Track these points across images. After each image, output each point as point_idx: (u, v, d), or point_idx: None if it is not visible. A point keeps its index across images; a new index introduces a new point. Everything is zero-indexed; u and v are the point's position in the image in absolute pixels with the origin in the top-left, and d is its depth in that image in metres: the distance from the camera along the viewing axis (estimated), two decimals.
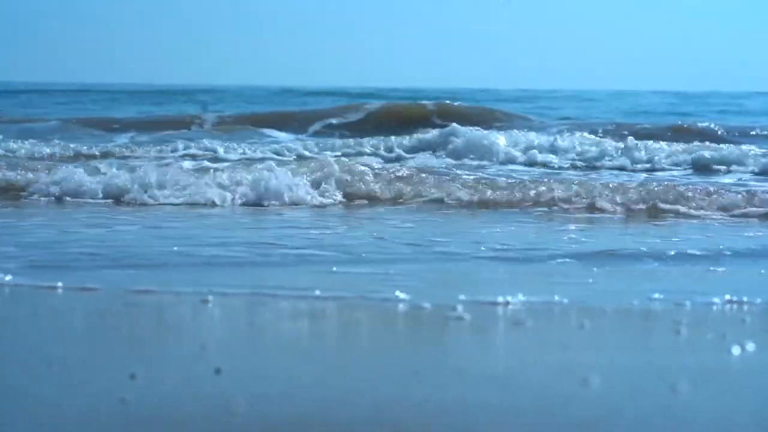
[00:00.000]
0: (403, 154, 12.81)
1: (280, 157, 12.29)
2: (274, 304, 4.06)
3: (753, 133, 15.84)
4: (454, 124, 13.48)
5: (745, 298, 4.08)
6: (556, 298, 4.06)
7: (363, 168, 8.91)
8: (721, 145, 12.58)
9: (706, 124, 16.53)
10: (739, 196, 8.05)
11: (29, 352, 3.23)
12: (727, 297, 4.07)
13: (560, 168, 11.63)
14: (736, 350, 3.23)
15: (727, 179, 10.49)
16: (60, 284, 4.22)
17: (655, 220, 7.59)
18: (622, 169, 11.53)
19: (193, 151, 12.74)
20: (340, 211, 7.98)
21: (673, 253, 5.51)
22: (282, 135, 15.42)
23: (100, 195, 8.36)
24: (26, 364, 3.04)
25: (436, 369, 3.02)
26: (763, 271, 5.17)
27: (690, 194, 8.08)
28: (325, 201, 8.21)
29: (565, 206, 8.03)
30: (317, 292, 4.13)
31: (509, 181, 9.09)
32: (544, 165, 11.77)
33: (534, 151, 12.19)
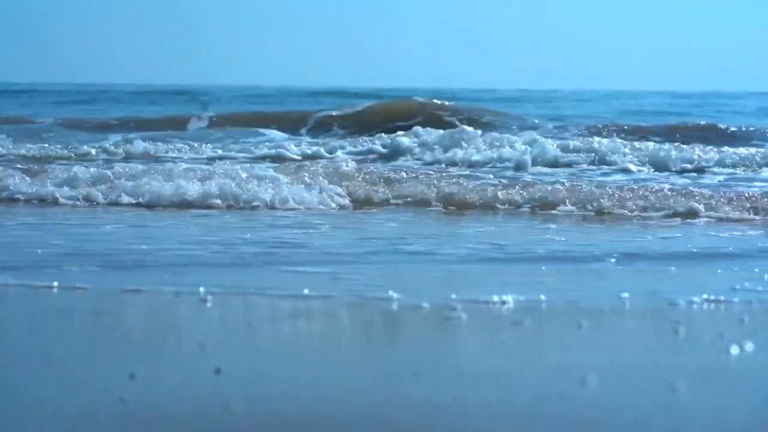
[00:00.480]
0: (381, 150, 12.81)
1: (271, 152, 12.32)
2: (268, 305, 4.07)
3: (749, 130, 15.76)
4: (418, 127, 13.43)
5: (722, 297, 4.12)
6: (543, 297, 4.09)
7: (347, 169, 8.91)
8: (696, 146, 12.49)
9: (702, 122, 16.52)
10: (702, 200, 7.99)
11: (25, 351, 3.23)
12: (705, 296, 4.10)
13: (537, 169, 11.46)
14: (721, 349, 3.24)
15: (704, 179, 10.45)
16: (44, 283, 4.26)
17: (601, 220, 7.59)
18: (594, 169, 11.39)
19: (181, 150, 12.73)
20: (325, 212, 7.91)
21: (624, 253, 5.54)
22: (275, 134, 15.38)
23: (83, 196, 8.32)
24: (24, 364, 3.05)
25: (435, 368, 3.02)
26: (720, 270, 5.16)
27: (638, 194, 8.09)
28: (308, 202, 8.13)
29: (527, 207, 8.08)
30: (306, 292, 4.15)
31: (476, 182, 9.08)
32: (518, 166, 11.58)
33: (507, 150, 12.10)
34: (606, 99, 31.35)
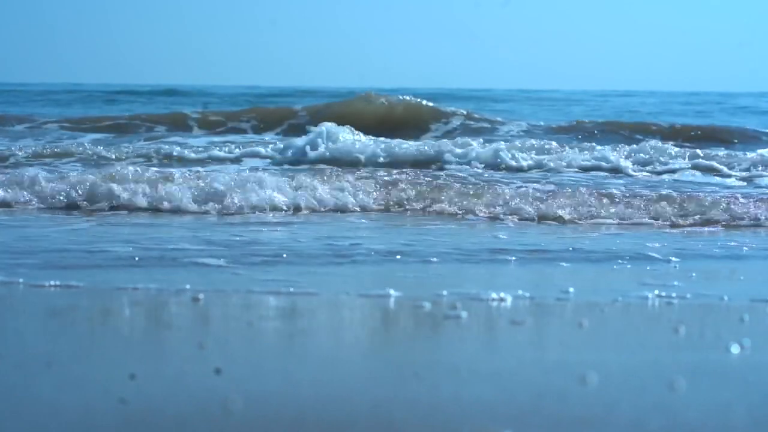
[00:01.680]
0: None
1: (258, 154, 12.32)
2: (265, 304, 4.09)
3: (730, 134, 15.67)
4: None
5: (674, 294, 4.23)
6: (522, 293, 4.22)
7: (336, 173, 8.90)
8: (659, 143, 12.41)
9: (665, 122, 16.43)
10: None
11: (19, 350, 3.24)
12: (656, 292, 4.21)
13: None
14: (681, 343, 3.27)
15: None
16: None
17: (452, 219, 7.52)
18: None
19: (165, 149, 12.70)
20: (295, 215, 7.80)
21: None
22: (257, 136, 15.37)
23: (53, 198, 8.12)
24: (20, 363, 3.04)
25: (433, 366, 3.03)
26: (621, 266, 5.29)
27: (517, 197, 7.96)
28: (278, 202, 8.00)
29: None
30: (291, 289, 4.21)
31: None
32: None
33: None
34: (605, 99, 31.38)
